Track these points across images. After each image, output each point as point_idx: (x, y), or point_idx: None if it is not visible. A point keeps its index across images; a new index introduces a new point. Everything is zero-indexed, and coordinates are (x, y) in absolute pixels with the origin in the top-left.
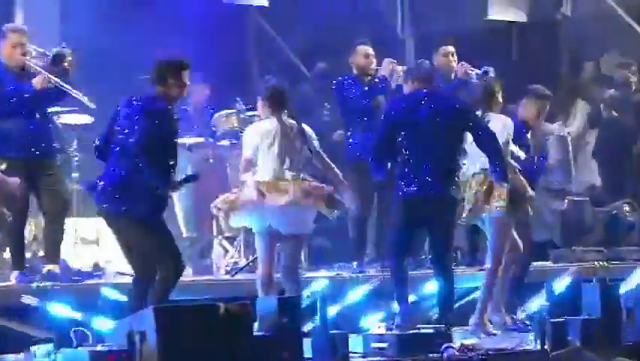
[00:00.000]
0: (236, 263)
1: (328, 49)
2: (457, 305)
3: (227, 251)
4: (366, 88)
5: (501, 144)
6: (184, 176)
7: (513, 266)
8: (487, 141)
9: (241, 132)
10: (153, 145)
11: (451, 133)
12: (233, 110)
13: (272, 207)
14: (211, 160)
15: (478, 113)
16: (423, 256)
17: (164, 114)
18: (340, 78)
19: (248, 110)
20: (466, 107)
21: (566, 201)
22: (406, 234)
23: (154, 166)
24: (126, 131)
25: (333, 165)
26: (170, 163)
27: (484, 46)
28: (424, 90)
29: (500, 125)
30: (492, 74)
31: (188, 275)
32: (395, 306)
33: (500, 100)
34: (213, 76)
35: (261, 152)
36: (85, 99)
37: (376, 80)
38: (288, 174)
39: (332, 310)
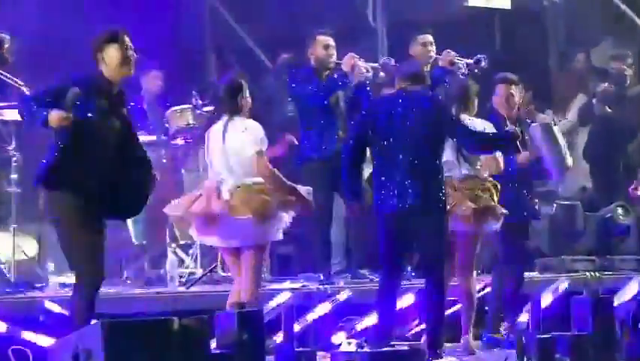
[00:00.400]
0: (192, 274)
1: (293, 38)
2: None
3: (182, 260)
4: (324, 83)
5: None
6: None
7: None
8: (467, 135)
9: (197, 130)
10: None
11: (434, 136)
12: (188, 106)
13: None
14: (164, 160)
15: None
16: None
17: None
18: (295, 70)
19: (205, 105)
20: (445, 106)
21: (555, 205)
22: (393, 244)
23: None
24: None
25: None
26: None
27: (464, 35)
28: (407, 90)
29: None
30: (484, 63)
31: (139, 287)
32: (367, 320)
33: (475, 105)
34: (166, 68)
35: (212, 156)
36: (27, 91)
37: (335, 75)
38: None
39: (297, 326)
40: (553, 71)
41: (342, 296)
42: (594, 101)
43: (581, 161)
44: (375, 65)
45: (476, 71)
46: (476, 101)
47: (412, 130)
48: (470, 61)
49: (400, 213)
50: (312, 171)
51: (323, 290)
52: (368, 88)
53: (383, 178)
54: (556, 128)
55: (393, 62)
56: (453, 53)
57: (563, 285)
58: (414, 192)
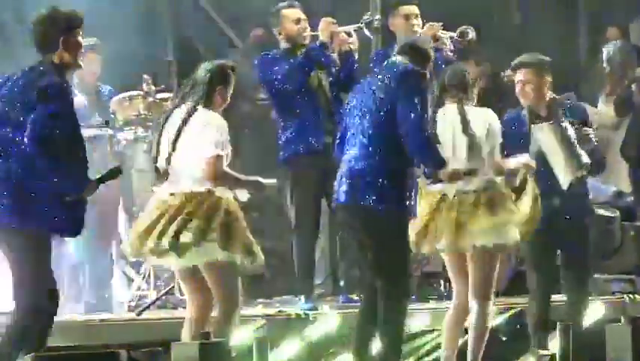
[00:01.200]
0: (143, 297)
1: (267, 13)
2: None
3: (131, 281)
4: (299, 62)
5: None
6: (103, 172)
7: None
8: (410, 131)
9: (149, 121)
10: (56, 135)
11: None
12: (139, 92)
13: None
14: (110, 159)
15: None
16: None
17: (62, 91)
18: (264, 54)
19: (159, 91)
20: (407, 80)
21: None
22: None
23: (62, 164)
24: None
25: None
26: (81, 157)
27: (476, 5)
28: (391, 64)
29: (481, 118)
30: (472, 35)
31: (78, 313)
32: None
33: (475, 92)
34: (110, 46)
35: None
36: None
37: (312, 48)
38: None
39: (273, 359)
40: (581, 51)
41: (327, 324)
42: (633, 87)
43: (618, 160)
44: (360, 24)
45: (462, 46)
46: (475, 88)
47: (367, 109)
48: (454, 34)
49: (341, 213)
50: (295, 171)
51: (304, 317)
52: (356, 57)
53: (340, 162)
54: (564, 125)
55: (378, 17)
56: (437, 25)
57: (597, 310)
58: (348, 187)
